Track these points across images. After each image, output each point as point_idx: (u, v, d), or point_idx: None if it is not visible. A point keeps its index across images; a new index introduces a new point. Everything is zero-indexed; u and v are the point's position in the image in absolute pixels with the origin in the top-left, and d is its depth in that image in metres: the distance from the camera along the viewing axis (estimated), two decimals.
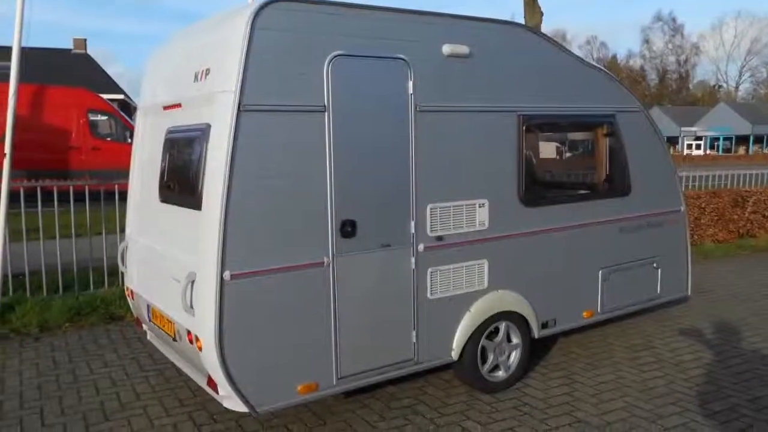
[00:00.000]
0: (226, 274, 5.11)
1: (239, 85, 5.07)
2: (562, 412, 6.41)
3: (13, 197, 9.17)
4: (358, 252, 5.79)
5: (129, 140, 21.28)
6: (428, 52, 6.10)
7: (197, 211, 5.43)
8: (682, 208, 8.71)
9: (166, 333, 6.19)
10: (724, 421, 6.21)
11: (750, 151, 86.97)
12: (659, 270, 8.39)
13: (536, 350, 7.69)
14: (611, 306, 7.91)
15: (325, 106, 5.48)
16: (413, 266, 6.13)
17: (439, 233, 6.27)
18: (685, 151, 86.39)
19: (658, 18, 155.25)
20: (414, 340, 6.21)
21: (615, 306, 7.97)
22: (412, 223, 6.09)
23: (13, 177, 9.15)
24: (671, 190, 8.58)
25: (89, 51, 50.71)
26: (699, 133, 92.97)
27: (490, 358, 6.80)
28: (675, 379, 7.21)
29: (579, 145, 8.58)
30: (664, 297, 8.58)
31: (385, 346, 6.05)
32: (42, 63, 37.05)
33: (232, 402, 5.43)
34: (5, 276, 9.30)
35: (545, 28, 17.67)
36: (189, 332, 5.54)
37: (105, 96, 26.02)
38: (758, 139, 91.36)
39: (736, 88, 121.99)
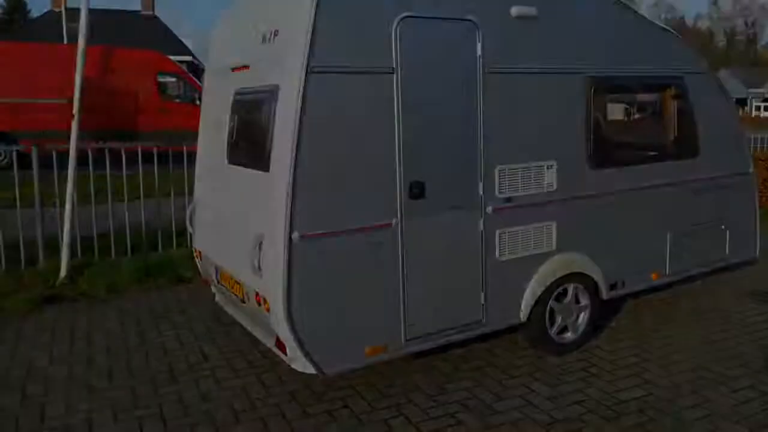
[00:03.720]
0: (295, 235, 5.13)
1: (308, 46, 5.05)
2: (630, 373, 6.37)
3: (81, 159, 9.29)
4: (427, 213, 5.77)
5: (197, 102, 21.49)
6: (497, 14, 6.02)
7: (265, 173, 5.45)
8: (751, 170, 8.54)
9: (234, 294, 6.26)
10: None
11: None
12: (727, 232, 8.25)
13: (604, 312, 7.61)
14: (679, 268, 7.80)
15: (393, 67, 5.44)
16: (482, 228, 6.10)
17: (508, 195, 6.22)
18: (754, 113, 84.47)
19: None
20: (482, 301, 6.19)
21: (683, 268, 7.86)
22: (481, 185, 6.04)
23: (81, 138, 9.27)
24: (739, 152, 8.42)
25: (157, 12, 51.11)
26: (767, 95, 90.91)
27: (558, 319, 6.77)
28: (743, 341, 7.13)
29: (647, 107, 8.43)
30: (732, 259, 8.45)
31: (453, 308, 6.05)
32: (110, 25, 37.53)
33: (300, 364, 5.46)
34: (74, 238, 9.44)
35: None
36: (257, 294, 5.59)
37: (173, 57, 26.23)
38: None
39: None
